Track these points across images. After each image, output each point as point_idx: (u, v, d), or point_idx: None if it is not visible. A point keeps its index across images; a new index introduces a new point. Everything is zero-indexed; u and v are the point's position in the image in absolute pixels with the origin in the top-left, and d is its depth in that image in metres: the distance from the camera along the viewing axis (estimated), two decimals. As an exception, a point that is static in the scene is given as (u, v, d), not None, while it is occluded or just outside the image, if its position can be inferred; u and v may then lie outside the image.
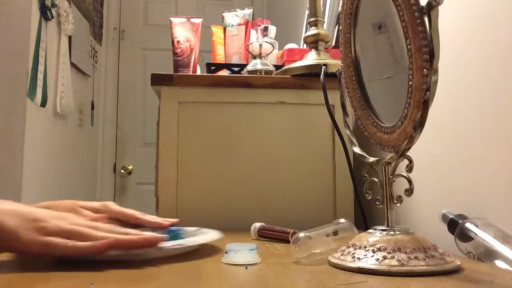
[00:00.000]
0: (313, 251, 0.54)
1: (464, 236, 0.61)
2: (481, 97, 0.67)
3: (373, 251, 0.48)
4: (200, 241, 0.61)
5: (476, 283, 0.43)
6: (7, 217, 0.50)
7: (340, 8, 0.63)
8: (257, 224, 0.75)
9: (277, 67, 1.06)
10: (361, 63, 0.60)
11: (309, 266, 0.52)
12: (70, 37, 2.04)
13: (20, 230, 0.49)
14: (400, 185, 0.52)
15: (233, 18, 1.21)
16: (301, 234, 0.54)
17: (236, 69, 1.12)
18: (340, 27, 0.62)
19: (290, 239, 0.59)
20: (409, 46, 0.47)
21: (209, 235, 0.63)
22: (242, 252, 0.53)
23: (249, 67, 1.04)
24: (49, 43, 1.80)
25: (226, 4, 2.78)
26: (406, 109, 0.48)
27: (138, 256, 0.54)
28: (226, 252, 0.53)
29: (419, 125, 0.47)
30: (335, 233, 0.59)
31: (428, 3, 0.44)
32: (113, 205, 0.66)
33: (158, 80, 0.95)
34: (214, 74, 1.10)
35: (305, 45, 1.06)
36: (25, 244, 0.49)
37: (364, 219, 0.91)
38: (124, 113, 2.76)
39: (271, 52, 1.08)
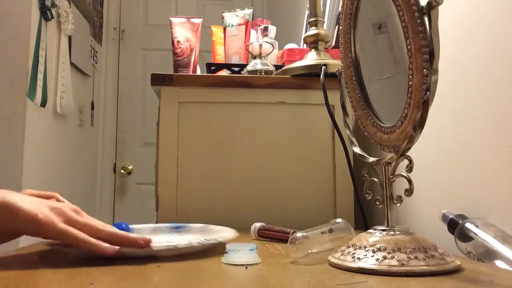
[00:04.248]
0: (310, 251, 0.54)
1: (464, 236, 0.61)
2: (481, 97, 0.67)
3: (373, 251, 0.48)
4: (228, 237, 0.62)
5: (476, 283, 0.43)
6: (21, 201, 0.52)
7: (340, 8, 0.63)
8: (257, 224, 0.75)
9: (277, 67, 1.06)
10: (361, 63, 0.60)
11: (308, 266, 0.52)
12: (70, 37, 2.04)
13: (38, 212, 0.51)
14: (400, 185, 0.52)
15: (233, 18, 1.21)
16: (298, 234, 0.55)
17: (236, 69, 1.12)
18: (340, 27, 0.62)
19: (290, 239, 0.59)
20: (409, 46, 0.47)
21: (230, 233, 0.65)
22: (242, 252, 0.53)
23: (249, 67, 1.04)
24: (49, 43, 1.80)
25: (226, 4, 2.78)
26: (406, 109, 0.48)
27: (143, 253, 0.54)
28: (226, 252, 0.53)
29: (419, 125, 0.47)
30: (330, 230, 0.59)
31: (428, 3, 0.44)
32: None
33: (158, 80, 0.95)
34: (214, 74, 1.10)
35: (305, 45, 1.06)
36: (43, 225, 0.51)
37: (364, 219, 0.91)
38: (124, 113, 2.76)
39: (271, 52, 1.08)
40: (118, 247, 0.52)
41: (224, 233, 0.65)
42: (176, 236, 0.70)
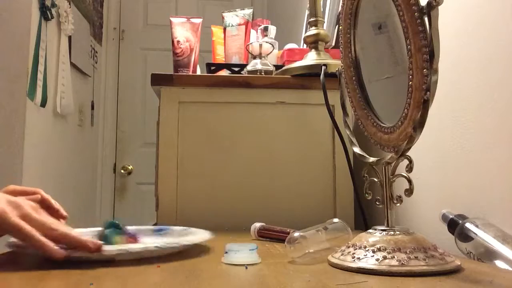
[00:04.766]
0: (307, 251, 0.54)
1: (464, 236, 0.61)
2: (481, 97, 0.67)
3: (373, 251, 0.48)
4: (194, 241, 0.61)
5: (476, 283, 0.43)
6: None
7: (340, 8, 0.63)
8: (257, 224, 0.75)
9: (277, 67, 1.06)
10: (361, 63, 0.60)
11: (308, 266, 0.52)
12: (70, 37, 2.04)
13: None
14: (400, 185, 0.52)
15: (233, 18, 1.21)
16: (296, 234, 0.55)
17: (236, 69, 1.12)
18: (340, 27, 0.62)
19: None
20: (409, 46, 0.47)
21: (199, 236, 0.63)
22: (242, 252, 0.53)
23: (249, 67, 1.04)
24: (49, 43, 1.80)
25: (226, 4, 2.78)
26: (406, 109, 0.48)
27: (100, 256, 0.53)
28: (226, 252, 0.53)
29: (419, 125, 0.47)
30: (325, 228, 0.59)
31: (428, 3, 0.44)
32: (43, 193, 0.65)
33: (158, 80, 0.95)
34: (214, 74, 1.10)
35: (305, 45, 1.06)
36: None
37: (364, 219, 0.91)
38: (124, 113, 2.76)
39: (271, 52, 1.08)
40: (65, 253, 0.50)
41: (194, 236, 0.64)
42: (157, 238, 0.68)
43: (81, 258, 0.52)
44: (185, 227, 0.72)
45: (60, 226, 0.54)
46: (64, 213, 0.62)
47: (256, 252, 0.54)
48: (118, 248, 0.53)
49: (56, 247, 0.50)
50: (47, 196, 0.62)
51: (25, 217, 0.52)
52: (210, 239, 0.63)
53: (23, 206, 0.53)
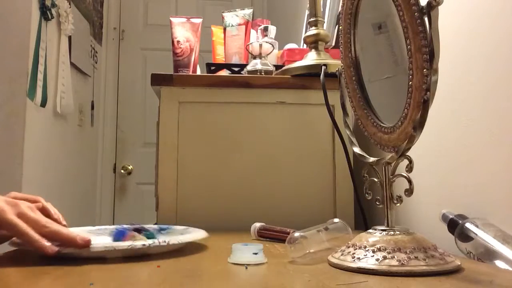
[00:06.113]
0: (308, 251, 0.54)
1: (464, 236, 0.61)
2: (481, 97, 0.67)
3: (373, 251, 0.48)
4: (186, 240, 0.61)
5: (476, 283, 0.43)
6: None
7: (340, 8, 0.63)
8: (257, 224, 0.75)
9: (277, 67, 1.05)
10: (361, 63, 0.60)
11: (308, 266, 0.52)
12: (70, 37, 2.04)
13: None
14: (400, 185, 0.52)
15: (233, 18, 1.21)
16: (296, 234, 0.55)
17: (236, 69, 1.12)
18: (340, 27, 0.62)
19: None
20: (409, 46, 0.47)
21: (190, 235, 0.64)
22: (248, 252, 0.53)
23: (249, 67, 1.04)
24: (49, 43, 1.80)
25: (226, 4, 2.78)
26: (406, 109, 0.49)
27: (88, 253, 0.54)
28: (232, 252, 0.53)
29: (419, 125, 0.47)
30: (326, 228, 0.59)
31: (428, 3, 0.44)
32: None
33: (158, 80, 0.95)
34: (214, 74, 1.10)
35: (305, 45, 1.06)
36: None
37: (364, 219, 0.91)
38: (124, 113, 2.76)
39: (271, 52, 1.08)
40: (56, 249, 0.52)
41: (188, 235, 0.64)
42: (160, 237, 0.68)
43: (72, 255, 0.53)
44: (185, 227, 0.72)
45: (53, 224, 0.56)
46: (63, 222, 0.63)
47: (262, 252, 0.54)
48: (106, 245, 0.55)
49: (48, 244, 0.52)
50: (47, 205, 0.63)
51: (21, 215, 0.54)
52: (204, 238, 0.63)
53: (20, 205, 0.55)
